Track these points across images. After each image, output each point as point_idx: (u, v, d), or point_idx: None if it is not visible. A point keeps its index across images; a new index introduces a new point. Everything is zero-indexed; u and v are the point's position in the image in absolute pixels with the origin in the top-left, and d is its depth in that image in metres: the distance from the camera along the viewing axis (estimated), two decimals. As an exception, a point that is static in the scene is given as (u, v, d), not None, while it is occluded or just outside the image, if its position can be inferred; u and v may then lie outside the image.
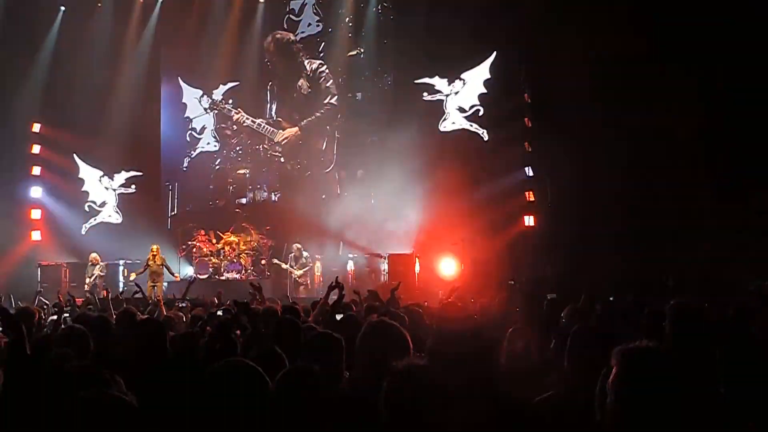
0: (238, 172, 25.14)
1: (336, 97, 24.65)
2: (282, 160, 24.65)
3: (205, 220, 25.17)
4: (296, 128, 24.65)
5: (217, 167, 25.32)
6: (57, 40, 25.71)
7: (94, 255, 22.87)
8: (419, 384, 3.17)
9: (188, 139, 25.65)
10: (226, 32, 25.08)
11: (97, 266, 22.68)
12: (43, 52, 25.53)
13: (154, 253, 21.95)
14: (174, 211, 25.44)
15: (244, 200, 24.96)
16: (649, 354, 3.02)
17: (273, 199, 24.93)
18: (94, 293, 20.19)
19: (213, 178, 25.37)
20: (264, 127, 24.58)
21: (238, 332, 7.59)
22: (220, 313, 10.52)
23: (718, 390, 4.59)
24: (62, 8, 25.82)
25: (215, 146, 25.45)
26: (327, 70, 24.61)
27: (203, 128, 25.51)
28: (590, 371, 4.73)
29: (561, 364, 5.30)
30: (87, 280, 22.63)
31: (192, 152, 25.56)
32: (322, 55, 24.73)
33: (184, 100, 25.86)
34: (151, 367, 5.54)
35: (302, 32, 24.87)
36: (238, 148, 25.03)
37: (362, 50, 24.59)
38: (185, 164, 25.66)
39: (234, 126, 25.03)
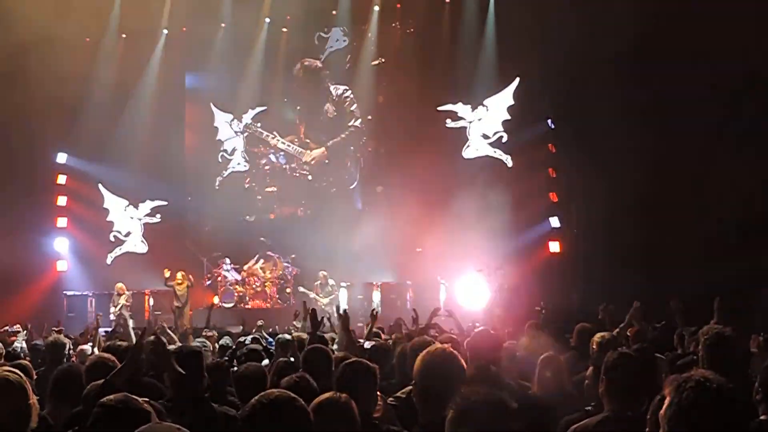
0: (267, 189, 25.90)
1: (359, 120, 25.29)
2: (310, 177, 25.41)
3: (231, 248, 25.30)
4: (323, 149, 25.37)
5: (247, 185, 26.04)
6: (82, 71, 25.87)
7: (120, 285, 22.91)
8: (486, 414, 3.10)
9: (220, 160, 26.29)
10: (250, 60, 25.64)
11: (123, 296, 22.71)
12: (68, 82, 25.68)
13: (180, 280, 21.95)
14: (207, 227, 26.03)
15: (272, 215, 25.75)
16: (707, 385, 2.92)
17: (299, 213, 25.58)
18: (119, 323, 20.26)
19: (243, 196, 26.04)
20: (293, 148, 25.34)
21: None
22: (248, 341, 10.48)
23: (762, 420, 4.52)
24: (86, 39, 26.00)
25: (245, 166, 26.14)
26: (351, 95, 25.26)
27: (234, 150, 26.20)
28: (630, 399, 4.69)
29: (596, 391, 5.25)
30: (112, 310, 22.65)
31: (224, 172, 26.21)
32: (348, 67, 25.54)
33: (215, 124, 26.45)
34: (189, 397, 5.50)
35: (330, 47, 25.72)
36: (266, 168, 25.83)
37: (383, 60, 25.25)
38: (217, 183, 26.27)
39: (262, 147, 25.78)
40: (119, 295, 22.75)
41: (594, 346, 7.91)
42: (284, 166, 25.68)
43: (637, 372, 4.82)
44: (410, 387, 6.18)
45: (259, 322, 14.68)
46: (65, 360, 9.06)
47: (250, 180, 26.10)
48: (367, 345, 9.16)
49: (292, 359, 8.14)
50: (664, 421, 2.94)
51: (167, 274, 22.54)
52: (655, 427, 3.24)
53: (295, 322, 15.51)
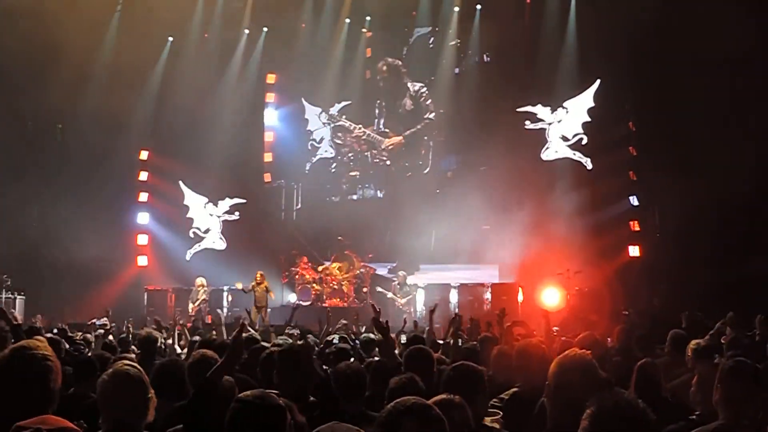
0: (350, 173, 27.07)
1: (434, 113, 26.03)
2: (388, 163, 26.50)
3: (309, 246, 25.67)
4: (401, 137, 26.27)
5: (333, 170, 27.27)
6: (165, 70, 26.31)
7: (200, 280, 23.13)
8: (626, 420, 3.09)
9: (309, 147, 27.45)
10: (331, 58, 26.55)
11: (202, 291, 22.91)
12: (152, 81, 26.12)
13: (259, 280, 22.13)
14: (299, 205, 27.49)
15: (355, 196, 27.00)
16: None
17: (379, 195, 26.87)
18: (199, 318, 20.45)
19: (330, 179, 27.31)
20: (374, 137, 26.49)
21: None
22: (335, 340, 10.50)
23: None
24: (170, 39, 26.43)
25: (331, 153, 27.37)
26: (426, 91, 26.05)
27: (321, 139, 27.38)
28: (746, 407, 4.64)
29: (704, 398, 5.20)
30: (191, 305, 22.89)
31: (313, 158, 27.43)
32: (431, 46, 26.57)
33: (306, 116, 27.46)
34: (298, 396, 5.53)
35: (418, 32, 26.69)
36: (350, 155, 27.14)
37: (459, 41, 25.91)
38: (307, 168, 27.49)
39: (347, 137, 27.02)
40: (199, 290, 22.93)
41: (689, 353, 7.84)
42: (366, 153, 26.97)
43: (754, 380, 4.77)
44: (515, 389, 6.20)
45: (342, 321, 14.74)
46: (157, 354, 9.22)
47: (335, 165, 27.29)
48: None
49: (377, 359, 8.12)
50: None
51: (258, 276, 22.64)
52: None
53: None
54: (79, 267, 22.67)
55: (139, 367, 4.49)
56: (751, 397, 4.66)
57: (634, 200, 22.78)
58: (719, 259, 18.93)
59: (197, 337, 10.88)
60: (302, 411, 5.06)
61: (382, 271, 25.23)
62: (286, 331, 13.35)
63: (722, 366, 4.94)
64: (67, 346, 10.13)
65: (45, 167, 23.87)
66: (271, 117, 27.96)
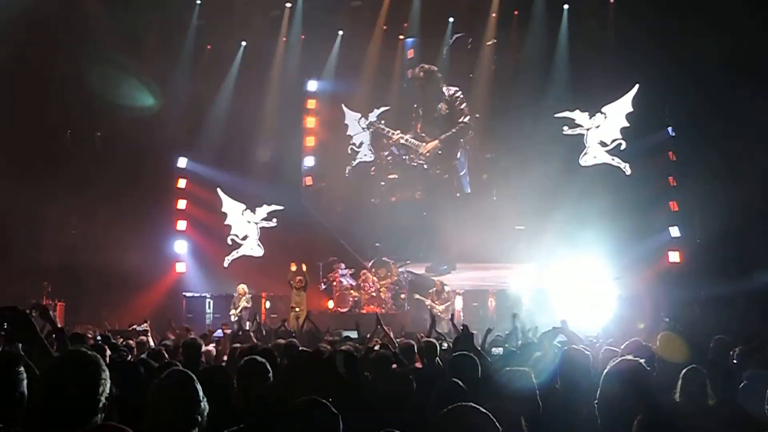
0: (389, 176, 27.42)
1: (469, 117, 26.19)
2: (425, 166, 26.63)
3: (348, 250, 25.76)
4: (437, 141, 26.38)
5: (372, 173, 27.67)
6: (203, 77, 26.49)
7: (242, 286, 23.11)
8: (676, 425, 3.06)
9: (349, 152, 27.80)
10: (370, 64, 26.86)
11: (244, 297, 22.93)
12: (189, 89, 26.26)
13: (293, 269, 22.21)
14: (339, 207, 27.62)
15: (393, 199, 27.27)
16: None
17: (416, 197, 26.96)
18: (240, 325, 20.47)
19: (369, 182, 27.71)
20: (411, 141, 26.73)
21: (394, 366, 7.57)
22: (377, 347, 10.47)
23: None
24: (208, 47, 26.66)
25: (371, 157, 27.74)
26: (462, 95, 26.19)
27: (361, 143, 27.78)
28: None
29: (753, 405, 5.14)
30: (233, 311, 22.90)
31: (353, 162, 27.82)
32: (469, 46, 26.65)
33: (345, 122, 27.83)
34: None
35: (455, 36, 26.72)
36: (389, 158, 27.50)
37: (496, 41, 26.01)
38: (347, 172, 27.80)
39: (385, 140, 27.37)
40: (241, 296, 22.96)
41: (734, 360, 7.77)
42: (403, 157, 27.29)
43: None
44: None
45: (385, 329, 14.69)
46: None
47: (374, 169, 27.70)
48: (496, 351, 9.16)
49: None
50: None
51: (293, 268, 22.92)
52: None
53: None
54: (118, 274, 22.76)
55: (191, 373, 4.47)
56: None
57: (674, 206, 22.59)
58: (761, 266, 18.73)
59: (237, 344, 10.87)
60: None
61: (419, 270, 25.31)
62: (325, 338, 13.36)
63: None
64: (110, 352, 10.17)
65: (84, 175, 23.98)
66: (312, 123, 28.19)
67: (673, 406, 3.09)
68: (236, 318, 21.95)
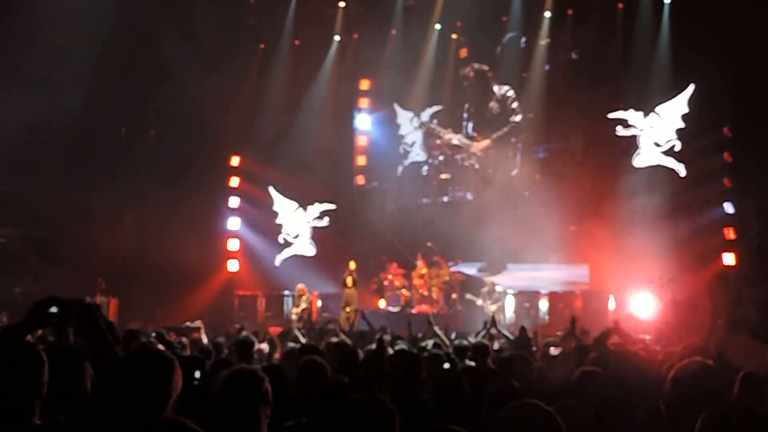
0: (441, 176, 27.46)
1: (520, 116, 26.24)
2: (477, 166, 26.75)
3: (401, 249, 25.74)
4: (488, 140, 26.54)
5: (425, 173, 27.75)
6: (257, 76, 26.65)
7: (301, 286, 23.15)
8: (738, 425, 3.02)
9: (401, 151, 27.97)
10: (422, 63, 26.79)
11: (304, 297, 23.02)
12: (244, 87, 26.43)
13: (348, 285, 22.20)
14: (391, 207, 27.67)
15: (445, 199, 27.34)
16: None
17: (468, 197, 27.03)
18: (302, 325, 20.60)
19: (421, 182, 27.80)
20: (463, 141, 26.87)
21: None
22: (429, 346, 10.46)
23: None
24: (262, 46, 26.81)
25: (423, 157, 27.80)
26: (513, 94, 26.31)
27: (413, 143, 27.86)
28: None
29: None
30: (294, 310, 23.02)
31: (405, 161, 27.99)
32: (523, 46, 26.54)
33: (398, 121, 27.93)
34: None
35: (509, 35, 26.42)
36: (441, 158, 27.55)
37: (549, 40, 25.91)
38: (399, 171, 27.99)
39: (437, 140, 27.43)
40: (300, 296, 23.05)
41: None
42: (455, 157, 27.28)
43: None
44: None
45: (436, 329, 14.70)
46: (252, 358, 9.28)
47: (427, 168, 27.74)
48: (554, 352, 9.11)
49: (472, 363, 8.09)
50: None
51: (353, 266, 23.03)
52: None
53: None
54: (172, 271, 22.94)
55: (258, 369, 4.47)
56: None
57: (729, 207, 22.31)
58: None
59: (291, 344, 10.90)
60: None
61: (470, 270, 25.26)
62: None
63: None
64: (163, 348, 10.27)
65: (138, 173, 24.22)
66: (364, 122, 28.33)
67: (735, 407, 3.04)
68: (297, 317, 22.13)
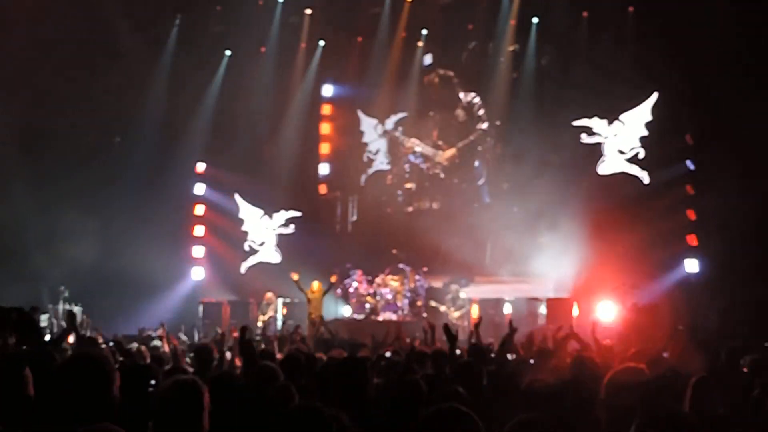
0: (406, 186, 27.39)
1: (487, 123, 26.26)
2: (442, 175, 26.78)
3: (364, 258, 25.52)
4: (454, 149, 26.59)
5: (389, 182, 27.52)
6: (222, 83, 26.56)
7: (269, 294, 23.24)
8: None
9: (365, 159, 27.74)
10: (387, 70, 26.78)
11: (271, 305, 22.94)
12: (209, 94, 26.36)
13: (314, 291, 22.10)
14: (354, 217, 27.85)
15: (410, 209, 27.16)
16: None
17: (434, 207, 26.88)
18: (265, 332, 20.60)
19: (385, 191, 27.57)
20: (427, 149, 26.87)
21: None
22: (388, 354, 10.43)
23: None
24: (227, 53, 26.69)
25: (387, 165, 27.63)
26: (479, 101, 26.31)
27: (377, 151, 27.70)
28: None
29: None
30: (261, 317, 22.99)
31: (369, 170, 27.73)
32: (489, 53, 26.48)
33: (361, 128, 27.75)
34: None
35: (474, 43, 26.51)
36: (406, 167, 27.43)
37: (517, 46, 25.94)
38: (362, 180, 27.72)
39: (402, 149, 27.36)
40: (268, 304, 22.96)
41: (745, 369, 7.73)
42: (420, 165, 27.27)
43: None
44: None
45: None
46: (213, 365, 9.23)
47: (391, 177, 27.57)
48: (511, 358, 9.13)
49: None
50: None
51: (296, 277, 22.39)
52: None
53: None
54: (136, 279, 22.83)
55: (197, 379, 4.43)
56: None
57: (691, 214, 22.48)
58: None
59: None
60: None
61: (437, 284, 25.11)
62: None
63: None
64: (121, 357, 10.19)
65: (102, 180, 24.05)
66: (327, 129, 28.20)
67: (676, 414, 3.05)
68: (262, 324, 22.09)
